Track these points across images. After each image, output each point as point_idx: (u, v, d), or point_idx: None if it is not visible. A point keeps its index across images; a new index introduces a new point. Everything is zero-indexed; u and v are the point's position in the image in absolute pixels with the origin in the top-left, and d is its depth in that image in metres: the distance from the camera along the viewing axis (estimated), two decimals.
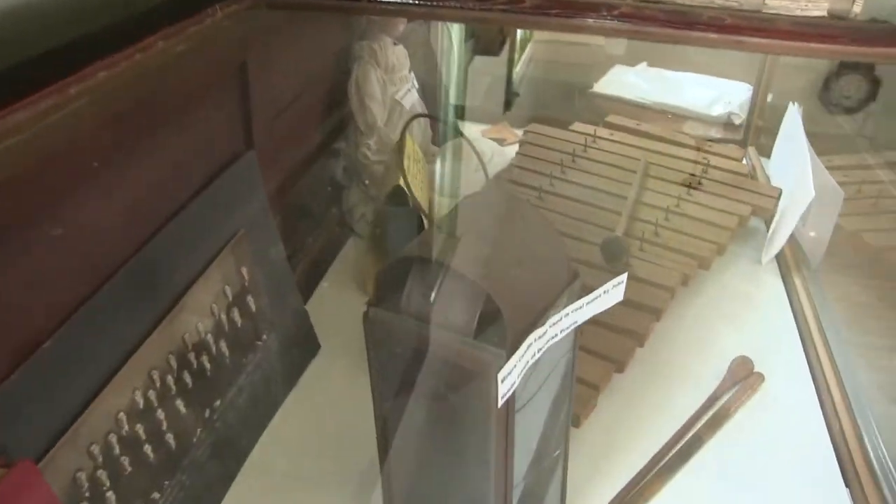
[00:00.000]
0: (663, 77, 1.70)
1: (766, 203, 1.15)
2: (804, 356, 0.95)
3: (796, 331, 0.99)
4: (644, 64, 1.78)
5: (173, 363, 0.67)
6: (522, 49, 1.85)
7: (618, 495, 0.76)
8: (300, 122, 0.97)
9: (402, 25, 1.07)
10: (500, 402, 0.53)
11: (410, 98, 1.10)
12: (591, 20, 0.65)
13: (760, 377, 0.91)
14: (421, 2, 0.71)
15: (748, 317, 1.01)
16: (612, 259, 1.01)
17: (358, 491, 0.76)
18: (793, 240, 1.11)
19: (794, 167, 1.12)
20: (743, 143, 1.43)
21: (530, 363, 0.55)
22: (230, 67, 0.75)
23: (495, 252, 0.56)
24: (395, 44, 1.07)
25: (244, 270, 0.77)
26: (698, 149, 1.28)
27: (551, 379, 0.63)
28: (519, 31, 1.79)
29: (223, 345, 0.74)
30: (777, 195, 1.16)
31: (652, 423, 0.84)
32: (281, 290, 0.85)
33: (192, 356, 0.70)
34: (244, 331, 0.78)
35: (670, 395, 0.87)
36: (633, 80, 1.68)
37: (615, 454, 0.80)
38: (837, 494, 0.78)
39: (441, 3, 0.70)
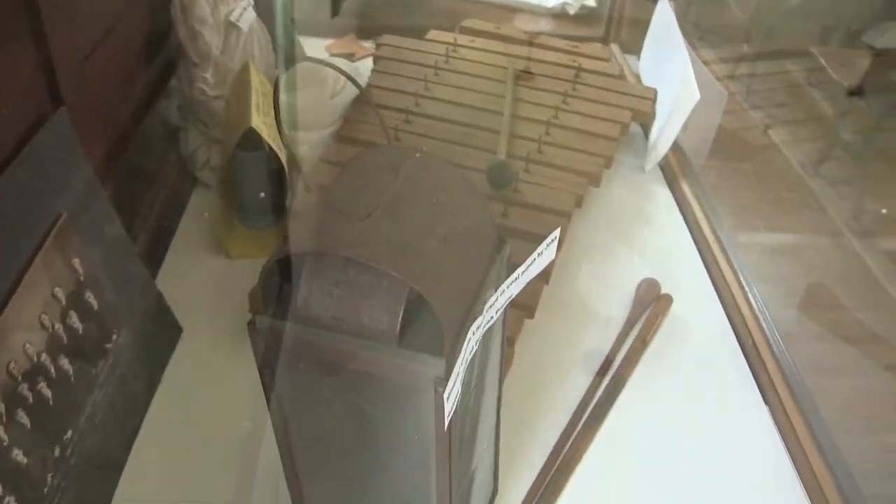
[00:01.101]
0: None
1: (644, 106, 1.08)
2: (704, 268, 0.90)
3: (692, 241, 0.95)
4: None
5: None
6: None
7: (551, 455, 0.68)
8: (118, 62, 0.77)
9: None
10: (447, 422, 0.42)
11: (247, 17, 0.92)
12: None
13: (669, 298, 0.85)
14: None
15: (643, 233, 0.95)
16: (500, 185, 0.90)
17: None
18: (672, 143, 1.05)
19: (670, 67, 1.05)
20: (605, 41, 1.35)
21: (468, 361, 0.44)
22: (12, 1, 0.55)
23: (402, 225, 0.44)
24: None
25: (76, 262, 0.61)
26: (567, 52, 1.18)
27: (483, 359, 0.53)
28: None
29: (64, 361, 0.58)
30: (653, 97, 1.09)
31: (572, 367, 0.76)
32: (126, 275, 0.68)
33: (24, 388, 0.54)
34: (89, 336, 0.62)
35: (584, 333, 0.80)
36: None
37: (540, 409, 0.72)
38: (759, 412, 0.75)
39: None
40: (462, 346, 0.42)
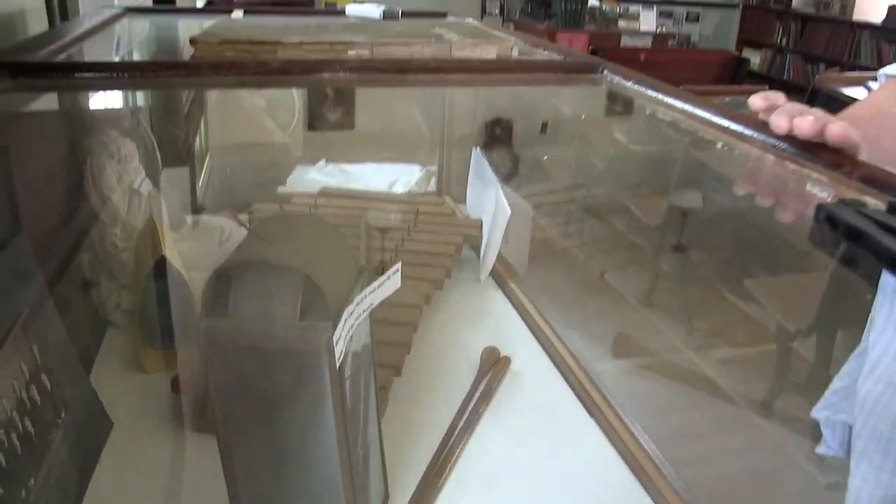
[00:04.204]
0: (343, 170, 1.90)
1: (472, 231, 1.40)
2: (533, 337, 1.19)
3: (522, 322, 1.23)
4: (322, 161, 1.96)
5: None
6: (202, 162, 1.92)
7: (428, 467, 0.91)
8: (53, 211, 1.01)
9: (127, 120, 1.17)
10: (338, 361, 0.66)
11: (146, 186, 1.18)
12: (327, 75, 0.82)
13: (508, 359, 1.12)
14: (163, 73, 0.83)
15: (483, 319, 1.23)
16: None
17: None
18: (500, 257, 1.37)
19: (487, 197, 1.39)
20: (439, 195, 1.70)
21: (350, 335, 0.69)
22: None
23: (298, 250, 0.70)
24: (122, 136, 1.15)
25: (35, 348, 0.81)
26: (407, 202, 1.51)
27: (359, 368, 0.77)
28: (197, 143, 1.91)
29: (28, 423, 0.77)
30: (479, 225, 1.42)
31: (436, 409, 1.00)
32: (67, 370, 0.88)
33: (1, 433, 0.72)
34: (44, 408, 0.81)
35: (443, 388, 1.05)
36: (316, 177, 1.84)
37: (416, 438, 0.95)
38: (587, 425, 1.00)
39: (189, 73, 0.83)
40: (342, 319, 0.67)
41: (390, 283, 0.78)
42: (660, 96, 0.86)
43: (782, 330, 1.94)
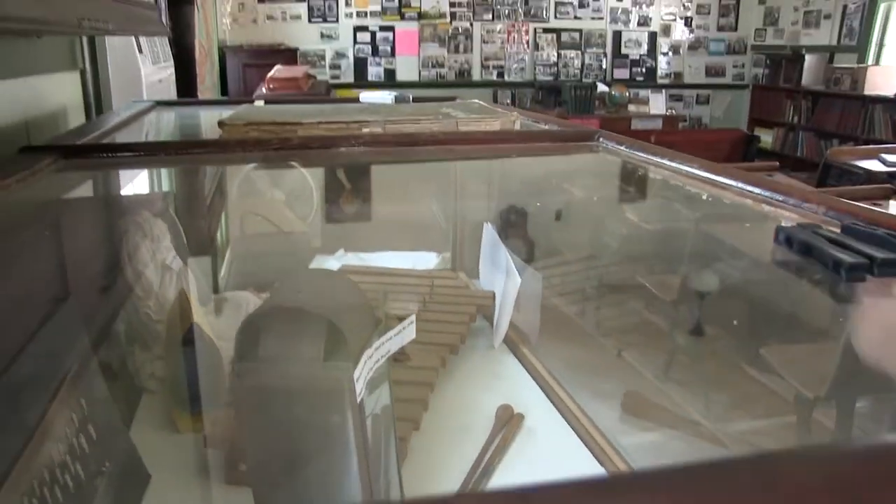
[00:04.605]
0: (361, 258, 2.00)
1: (486, 302, 1.49)
2: (546, 397, 1.26)
3: (535, 383, 1.30)
4: (341, 251, 2.07)
5: (46, 475, 0.78)
6: (223, 253, 2.03)
7: None
8: (95, 283, 1.12)
9: (158, 203, 1.28)
10: (359, 398, 0.74)
11: (177, 263, 1.29)
12: (344, 148, 0.93)
13: (521, 416, 1.19)
14: (195, 150, 0.95)
15: (497, 382, 1.31)
16: None
17: None
18: (513, 325, 1.45)
19: (498, 269, 1.48)
20: (453, 270, 1.79)
21: (368, 376, 0.78)
22: (47, 222, 0.91)
23: (323, 299, 0.79)
24: (154, 217, 1.27)
25: (82, 401, 0.90)
26: (423, 276, 1.61)
27: (379, 425, 0.85)
28: (219, 234, 2.04)
29: (78, 467, 0.85)
30: (492, 296, 1.51)
31: (452, 463, 1.07)
32: (109, 424, 0.96)
33: (58, 473, 0.80)
34: (91, 456, 0.89)
35: (458, 442, 1.11)
36: (336, 266, 1.95)
37: (434, 486, 1.01)
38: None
39: (219, 149, 0.94)
40: (362, 361, 0.76)
41: (406, 332, 0.87)
42: (649, 157, 0.96)
43: (801, 398, 1.98)
